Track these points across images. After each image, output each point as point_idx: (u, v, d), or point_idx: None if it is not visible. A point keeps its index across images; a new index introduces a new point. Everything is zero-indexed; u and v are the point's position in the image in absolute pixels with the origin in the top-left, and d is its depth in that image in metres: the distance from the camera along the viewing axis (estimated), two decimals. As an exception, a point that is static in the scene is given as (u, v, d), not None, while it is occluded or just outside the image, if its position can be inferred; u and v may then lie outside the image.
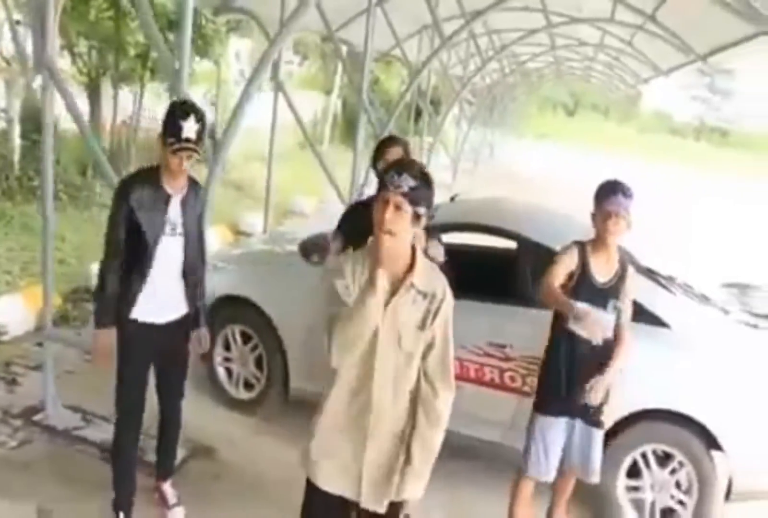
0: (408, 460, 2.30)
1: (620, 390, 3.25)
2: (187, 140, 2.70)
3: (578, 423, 3.21)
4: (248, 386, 4.35)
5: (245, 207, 9.57)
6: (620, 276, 3.17)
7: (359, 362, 2.23)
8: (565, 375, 3.18)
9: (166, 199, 2.86)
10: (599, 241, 3.16)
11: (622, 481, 3.56)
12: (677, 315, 3.58)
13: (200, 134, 2.74)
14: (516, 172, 19.43)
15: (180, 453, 3.53)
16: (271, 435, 4.12)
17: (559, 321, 3.18)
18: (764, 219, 19.76)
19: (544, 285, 3.15)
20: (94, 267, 5.90)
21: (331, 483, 2.34)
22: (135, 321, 2.93)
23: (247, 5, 7.51)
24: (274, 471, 3.74)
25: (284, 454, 3.91)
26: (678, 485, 3.51)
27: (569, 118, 57.89)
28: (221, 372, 4.37)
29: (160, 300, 2.94)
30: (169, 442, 3.30)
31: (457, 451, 3.81)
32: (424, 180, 2.13)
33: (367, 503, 2.33)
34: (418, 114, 15.89)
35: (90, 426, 3.90)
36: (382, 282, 2.11)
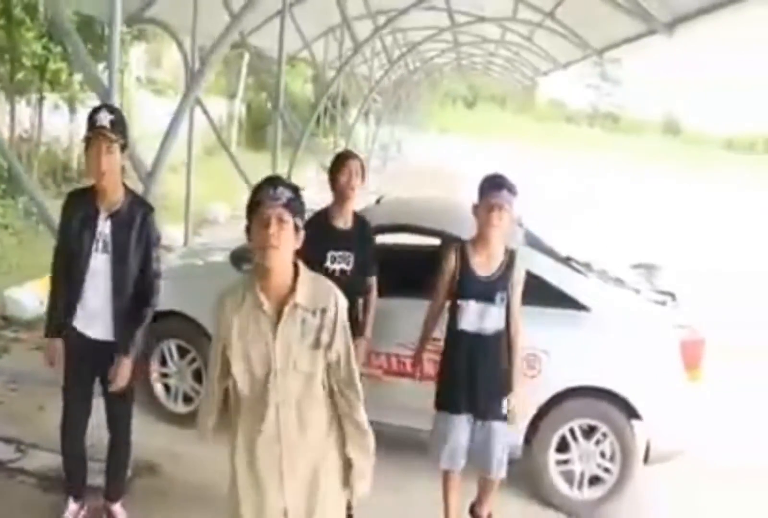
0: (351, 464, 2.28)
1: (546, 373, 3.47)
2: (102, 127, 2.75)
3: (478, 420, 3.26)
4: (187, 399, 4.34)
5: (161, 219, 9.34)
6: (506, 266, 3.18)
7: (257, 394, 2.17)
8: (463, 372, 3.24)
9: (95, 215, 2.90)
10: (481, 235, 3.17)
11: (552, 457, 3.82)
12: (595, 299, 3.86)
13: (114, 123, 2.78)
14: (423, 167, 19.86)
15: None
16: (213, 445, 4.14)
17: (453, 321, 3.27)
18: (658, 198, 21.06)
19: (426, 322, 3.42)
20: (7, 293, 5.73)
21: None
22: (75, 329, 3.01)
23: (158, 15, 7.41)
24: (220, 482, 3.74)
25: (229, 464, 4.00)
26: (602, 454, 3.80)
27: (469, 111, 59.37)
28: (159, 388, 4.34)
29: (89, 314, 2.98)
30: (118, 464, 3.29)
31: (399, 443, 3.97)
32: (297, 192, 2.12)
33: None
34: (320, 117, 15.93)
35: (25, 457, 3.78)
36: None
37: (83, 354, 3.02)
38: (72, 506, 3.23)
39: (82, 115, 12.81)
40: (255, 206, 2.06)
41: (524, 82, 21.15)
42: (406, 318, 3.83)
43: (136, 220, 2.93)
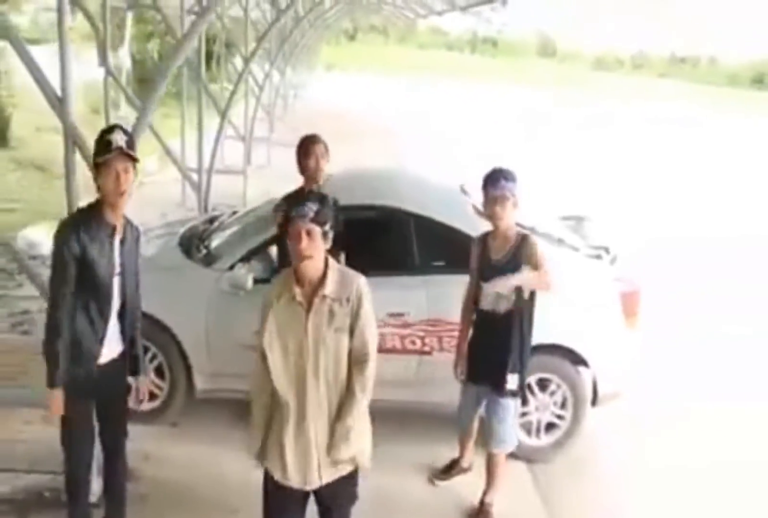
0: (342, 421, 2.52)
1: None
2: (120, 148, 2.63)
3: (489, 392, 3.54)
4: (151, 397, 4.23)
5: (59, 191, 8.74)
6: (515, 249, 3.42)
7: (291, 373, 2.48)
8: (477, 347, 3.58)
9: (111, 239, 2.79)
10: (492, 225, 3.47)
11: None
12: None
13: (129, 144, 2.68)
14: (315, 109, 19.61)
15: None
16: (183, 440, 4.16)
17: (476, 301, 3.56)
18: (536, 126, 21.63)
19: (463, 302, 3.64)
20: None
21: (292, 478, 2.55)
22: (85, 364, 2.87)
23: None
24: (197, 474, 3.82)
25: (201, 454, 4.00)
26: (555, 403, 4.13)
27: (351, 43, 58.06)
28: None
29: (108, 341, 2.92)
30: (118, 485, 3.21)
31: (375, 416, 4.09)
32: (322, 201, 2.44)
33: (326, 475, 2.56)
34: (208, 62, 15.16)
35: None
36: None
37: (87, 386, 2.87)
38: None
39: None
40: (289, 220, 2.43)
41: (417, 19, 20.79)
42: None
43: (134, 241, 2.95)
